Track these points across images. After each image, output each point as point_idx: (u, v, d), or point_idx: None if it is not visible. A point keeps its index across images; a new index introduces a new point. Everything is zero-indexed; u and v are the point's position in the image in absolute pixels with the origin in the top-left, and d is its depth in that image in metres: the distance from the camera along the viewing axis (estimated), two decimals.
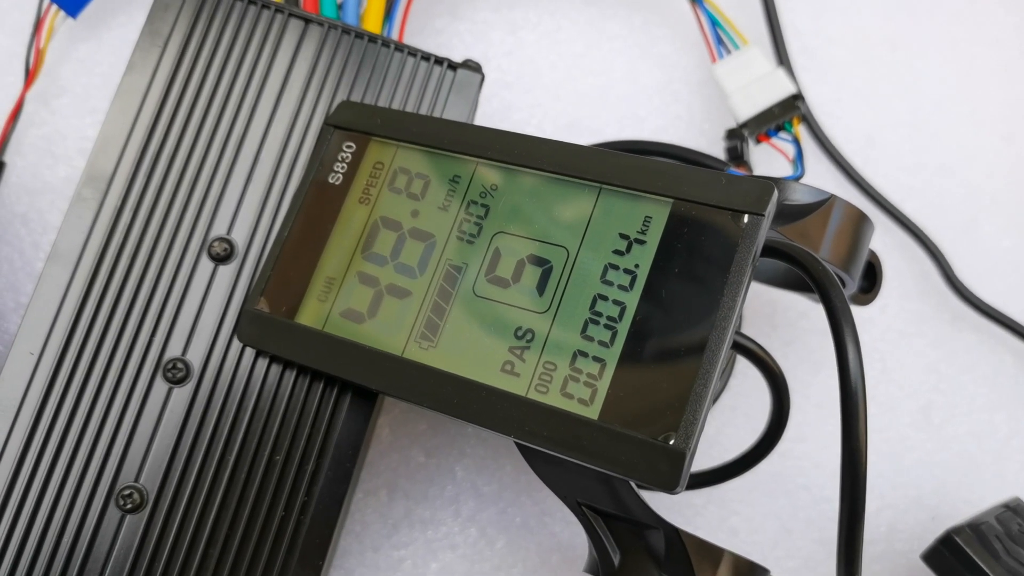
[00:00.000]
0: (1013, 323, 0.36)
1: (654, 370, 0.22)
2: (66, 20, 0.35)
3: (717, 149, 0.37)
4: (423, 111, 0.29)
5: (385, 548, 0.32)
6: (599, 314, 0.24)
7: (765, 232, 0.23)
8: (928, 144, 0.39)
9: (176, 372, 0.27)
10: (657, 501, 0.33)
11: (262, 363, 0.27)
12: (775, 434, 0.28)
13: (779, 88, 0.34)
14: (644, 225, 0.24)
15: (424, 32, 0.37)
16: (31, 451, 0.26)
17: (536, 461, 0.25)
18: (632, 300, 0.23)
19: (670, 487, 0.21)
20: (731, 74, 0.35)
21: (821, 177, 0.37)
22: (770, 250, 0.24)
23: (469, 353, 0.24)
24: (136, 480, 0.26)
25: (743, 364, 0.35)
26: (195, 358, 0.27)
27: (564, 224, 0.25)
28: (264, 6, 0.30)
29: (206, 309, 0.27)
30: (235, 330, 0.27)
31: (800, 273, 0.24)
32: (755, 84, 0.34)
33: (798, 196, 0.26)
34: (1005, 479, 0.35)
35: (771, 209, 0.23)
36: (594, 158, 0.25)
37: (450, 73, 0.30)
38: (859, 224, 0.27)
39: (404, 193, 0.27)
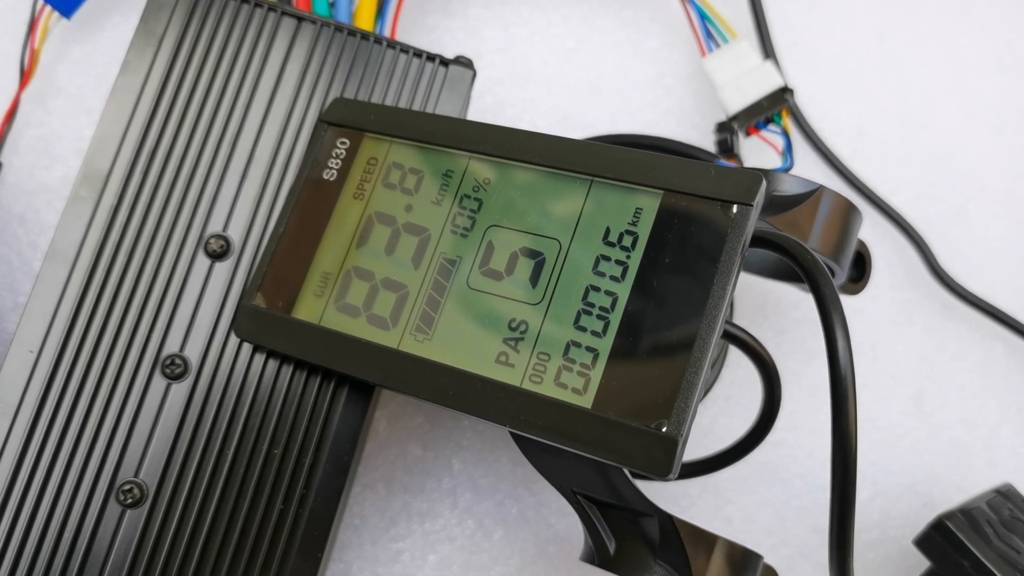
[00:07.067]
0: (997, 312, 0.36)
1: (646, 359, 0.23)
2: (60, 21, 0.35)
3: (708, 142, 0.37)
4: (416, 107, 0.30)
5: (383, 541, 0.32)
6: (591, 305, 0.24)
7: (754, 222, 0.23)
8: (917, 135, 0.39)
9: (174, 368, 0.27)
10: (654, 491, 0.33)
11: (259, 358, 0.27)
12: (767, 423, 0.28)
13: (768, 81, 0.35)
14: (635, 217, 0.24)
15: (416, 29, 0.38)
16: (31, 448, 0.26)
17: (532, 451, 0.25)
18: (624, 291, 0.24)
19: (663, 474, 0.22)
20: (720, 68, 0.35)
21: (810, 169, 0.37)
22: (759, 240, 0.24)
23: (464, 345, 0.25)
24: (136, 475, 0.26)
25: (737, 355, 0.35)
26: (193, 354, 0.27)
27: (556, 217, 0.25)
28: (257, 5, 0.30)
29: (203, 305, 0.27)
30: (232, 325, 0.27)
31: (789, 262, 0.24)
32: (744, 77, 0.35)
33: (787, 187, 0.26)
34: (996, 465, 0.36)
35: (759, 199, 0.23)
36: (585, 151, 0.25)
37: (442, 69, 0.30)
38: (847, 214, 0.28)
39: (398, 188, 0.27)
